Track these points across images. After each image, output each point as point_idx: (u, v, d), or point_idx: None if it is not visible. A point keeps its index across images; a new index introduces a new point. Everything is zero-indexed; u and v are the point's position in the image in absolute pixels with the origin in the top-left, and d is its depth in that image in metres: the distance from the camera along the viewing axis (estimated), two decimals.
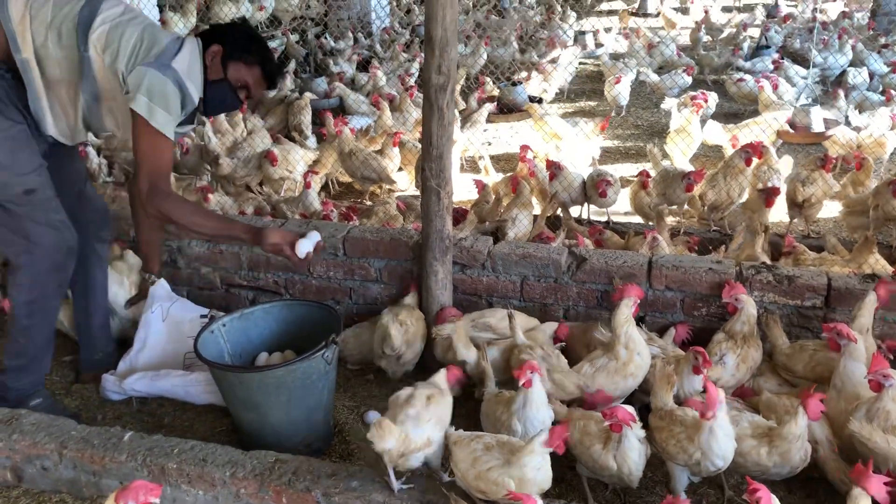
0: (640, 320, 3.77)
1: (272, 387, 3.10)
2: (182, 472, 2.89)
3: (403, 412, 2.71)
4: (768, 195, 4.87)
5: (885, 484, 2.34)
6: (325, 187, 6.83)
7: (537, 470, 2.51)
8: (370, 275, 4.16)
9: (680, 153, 6.66)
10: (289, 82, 8.85)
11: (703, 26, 12.17)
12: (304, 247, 3.22)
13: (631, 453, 2.72)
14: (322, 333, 3.20)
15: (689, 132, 6.74)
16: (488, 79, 9.34)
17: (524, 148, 6.08)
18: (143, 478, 2.84)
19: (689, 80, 9.38)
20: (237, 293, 4.41)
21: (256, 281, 4.35)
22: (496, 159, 7.62)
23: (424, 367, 3.76)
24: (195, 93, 3.18)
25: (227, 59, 3.24)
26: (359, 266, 4.15)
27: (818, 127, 6.80)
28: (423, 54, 3.54)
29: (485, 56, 10.93)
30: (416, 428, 2.67)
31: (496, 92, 8.71)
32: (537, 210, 5.53)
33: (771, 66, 9.59)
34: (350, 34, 11.72)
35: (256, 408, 3.17)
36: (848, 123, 7.53)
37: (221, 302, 4.41)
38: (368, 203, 6.14)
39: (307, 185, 5.56)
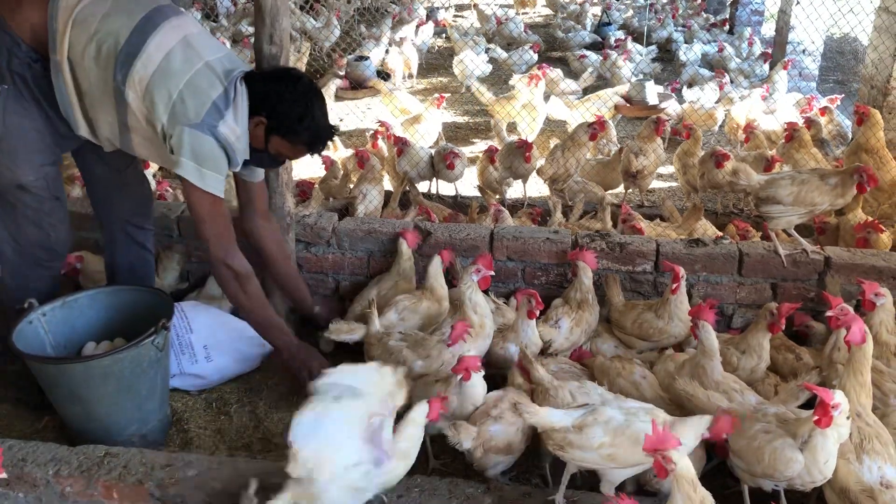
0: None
1: (98, 377, 2.92)
2: None
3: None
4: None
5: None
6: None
7: None
8: (208, 256, 3.97)
9: (527, 127, 6.82)
10: None
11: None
12: None
13: (474, 390, 2.82)
14: (155, 319, 3.05)
15: (535, 106, 6.91)
16: (347, 56, 9.20)
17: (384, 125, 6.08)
18: None
19: (535, 56, 9.61)
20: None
21: None
22: (348, 135, 7.53)
23: None
24: (240, 158, 2.99)
25: (270, 133, 3.00)
26: (195, 247, 3.98)
27: (652, 101, 7.16)
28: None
29: (338, 30, 10.74)
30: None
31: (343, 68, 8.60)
32: (388, 186, 5.52)
33: None
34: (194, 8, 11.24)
35: (82, 401, 2.99)
36: (680, 98, 7.98)
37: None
38: None
39: (146, 165, 5.26)
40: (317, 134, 3.04)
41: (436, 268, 3.69)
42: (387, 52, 9.94)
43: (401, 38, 10.08)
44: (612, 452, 2.46)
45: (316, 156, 3.26)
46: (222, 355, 3.54)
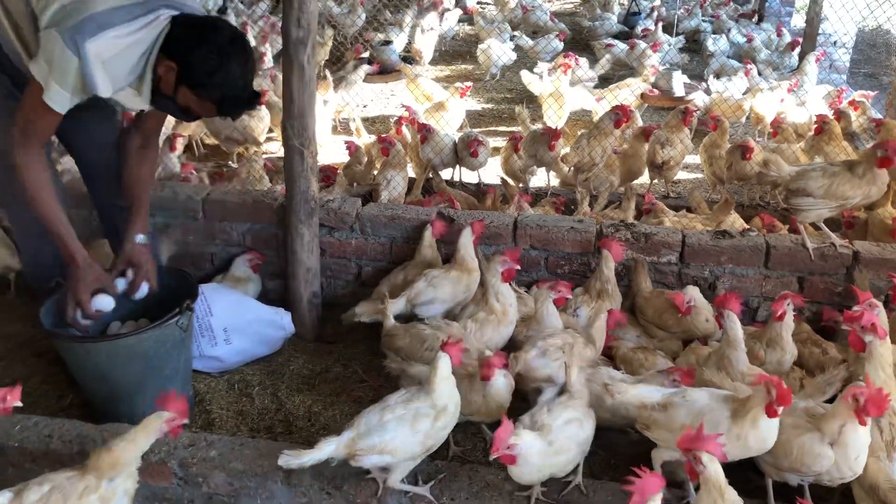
0: None
1: (123, 357, 2.95)
2: (24, 451, 2.72)
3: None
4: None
5: None
6: (189, 148, 6.51)
7: None
8: (232, 239, 4.00)
9: (554, 115, 6.77)
10: None
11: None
12: (103, 303, 2.99)
13: (499, 389, 2.82)
14: (179, 300, 3.07)
15: (562, 94, 6.86)
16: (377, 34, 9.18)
17: (408, 109, 6.07)
18: None
19: (561, 45, 9.54)
20: None
21: None
22: (371, 121, 7.52)
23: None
24: (104, 85, 2.68)
25: (180, 82, 2.71)
26: (219, 230, 3.98)
27: (679, 91, 7.07)
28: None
29: (363, 16, 10.72)
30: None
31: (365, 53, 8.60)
32: (411, 173, 5.51)
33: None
34: None
35: (107, 380, 3.02)
36: (708, 91, 7.88)
37: None
38: (234, 166, 5.93)
39: (172, 148, 5.30)
40: (228, 93, 2.72)
41: (466, 238, 3.64)
42: (411, 37, 9.91)
43: (415, 22, 10.05)
44: None
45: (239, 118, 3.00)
46: (242, 338, 3.56)
